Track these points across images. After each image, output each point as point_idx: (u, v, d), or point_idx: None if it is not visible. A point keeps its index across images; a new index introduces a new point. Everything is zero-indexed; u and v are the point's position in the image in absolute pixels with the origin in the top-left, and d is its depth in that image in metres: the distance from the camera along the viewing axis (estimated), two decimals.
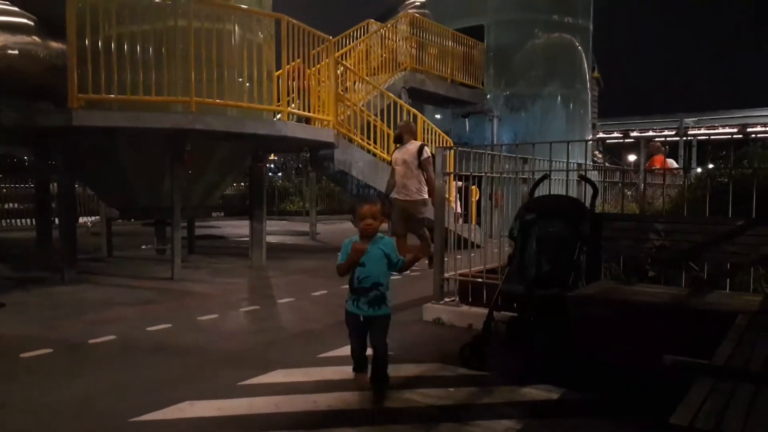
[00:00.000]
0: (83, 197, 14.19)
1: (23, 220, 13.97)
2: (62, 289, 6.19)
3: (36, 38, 6.34)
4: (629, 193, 7.15)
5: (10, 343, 4.13)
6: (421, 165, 6.99)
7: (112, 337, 4.29)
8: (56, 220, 7.97)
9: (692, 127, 25.20)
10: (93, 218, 12.40)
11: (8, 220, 14.20)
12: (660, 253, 3.85)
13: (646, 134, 25.23)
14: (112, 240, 8.88)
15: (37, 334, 4.35)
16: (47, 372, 3.55)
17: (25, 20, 6.33)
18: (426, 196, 7.03)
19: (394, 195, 7.14)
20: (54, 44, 6.43)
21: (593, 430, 2.76)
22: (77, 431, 2.67)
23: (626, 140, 26.83)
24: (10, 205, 14.55)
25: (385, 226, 6.81)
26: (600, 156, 18.07)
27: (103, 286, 6.44)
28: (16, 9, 6.33)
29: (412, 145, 7.14)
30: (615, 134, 27.34)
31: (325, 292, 5.99)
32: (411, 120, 8.76)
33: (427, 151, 7.02)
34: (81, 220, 11.99)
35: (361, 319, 3.11)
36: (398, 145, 7.42)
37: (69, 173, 7.01)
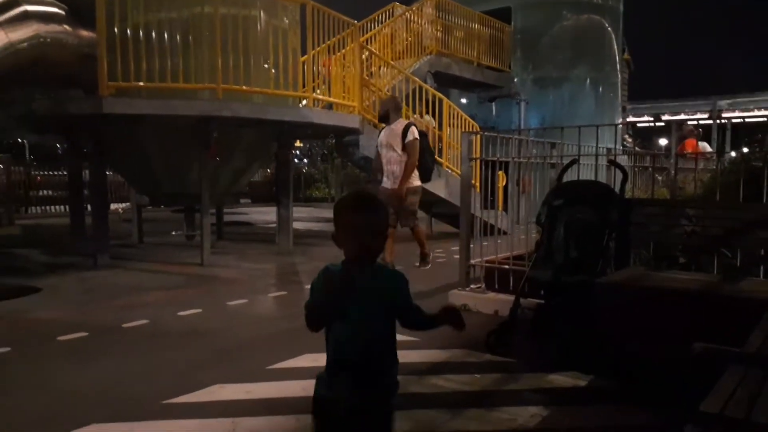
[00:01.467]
0: (114, 184, 14.48)
1: (57, 207, 14.32)
2: (95, 274, 6.34)
3: (67, 27, 6.43)
4: (660, 178, 7.01)
5: (47, 326, 4.25)
6: (405, 148, 6.19)
7: (144, 321, 4.39)
8: (89, 207, 8.15)
9: (726, 110, 24.54)
10: (124, 205, 12.64)
11: (42, 207, 14.58)
12: (691, 240, 3.78)
13: (678, 117, 24.66)
14: (142, 226, 9.05)
15: (73, 318, 4.47)
16: (83, 355, 3.65)
17: (56, 9, 6.42)
18: (417, 182, 6.33)
19: (383, 184, 6.34)
20: (84, 33, 6.52)
21: (621, 418, 2.74)
22: (112, 412, 2.74)
23: (657, 124, 26.28)
24: (44, 192, 14.93)
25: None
26: (630, 140, 17.73)
27: (135, 272, 6.58)
28: None
29: (398, 125, 6.29)
30: (645, 118, 26.78)
31: None
32: (395, 96, 7.98)
33: (413, 132, 6.19)
34: (112, 206, 12.23)
35: (343, 412, 1.67)
36: (383, 124, 6.64)
37: (100, 161, 7.15)
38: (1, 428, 2.63)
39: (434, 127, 9.25)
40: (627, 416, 2.75)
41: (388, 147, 6.26)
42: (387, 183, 6.30)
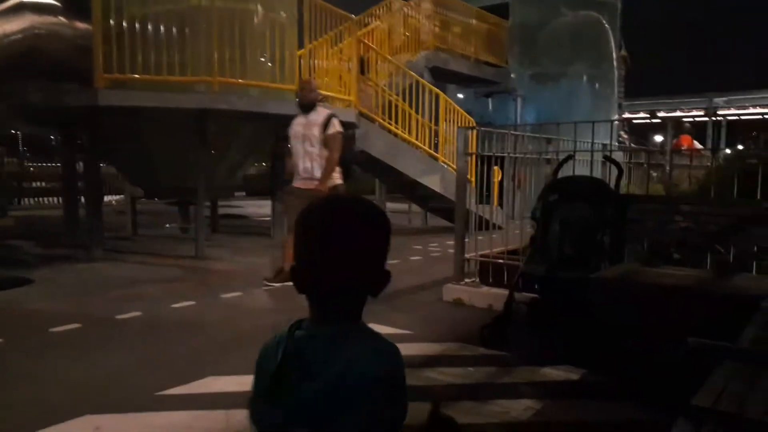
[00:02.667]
0: (108, 176, 14.43)
1: (50, 199, 14.26)
2: (89, 266, 6.32)
3: (62, 18, 6.40)
4: (655, 174, 7.03)
5: (40, 318, 4.24)
6: (326, 141, 5.24)
7: (137, 313, 4.38)
8: (82, 199, 8.12)
9: (722, 108, 24.59)
10: (118, 197, 12.60)
11: (36, 199, 14.52)
12: (685, 236, 3.79)
13: (674, 114, 24.70)
14: (136, 218, 9.03)
15: (66, 310, 4.45)
16: (76, 346, 3.64)
17: (51, 1, 6.39)
18: (339, 181, 5.36)
19: (295, 183, 5.37)
20: (80, 24, 6.48)
21: (613, 412, 2.75)
22: (105, 403, 2.74)
23: (653, 120, 26.33)
24: (38, 183, 14.87)
25: None
26: (626, 136, 17.76)
27: (129, 264, 6.56)
28: None
29: (318, 115, 5.32)
30: (642, 114, 26.83)
31: None
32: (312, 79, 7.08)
33: (335, 124, 5.29)
34: (106, 198, 12.19)
35: None
36: (301, 114, 5.43)
37: (94, 153, 7.12)
38: None
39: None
40: (620, 410, 2.76)
41: (304, 140, 5.28)
42: (299, 181, 5.31)
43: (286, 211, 5.42)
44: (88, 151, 7.18)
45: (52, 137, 16.05)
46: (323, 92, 8.25)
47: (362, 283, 1.01)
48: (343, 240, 0.99)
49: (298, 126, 5.37)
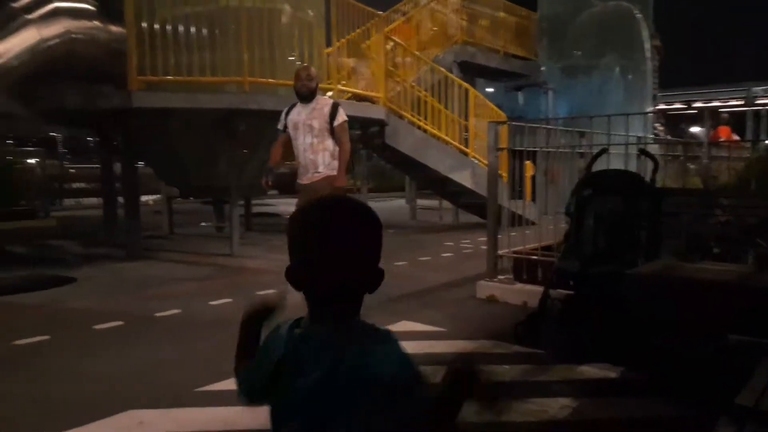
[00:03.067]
0: (145, 176, 14.72)
1: (90, 199, 14.63)
2: (128, 264, 6.48)
3: (97, 23, 6.55)
4: (692, 166, 6.87)
5: (83, 315, 4.37)
6: (334, 132, 4.82)
7: (176, 310, 4.48)
8: (120, 199, 8.31)
9: (761, 97, 23.86)
10: (154, 197, 12.85)
11: (76, 199, 14.91)
12: (725, 229, 3.71)
13: (711, 104, 24.07)
14: (173, 218, 9.21)
15: (107, 308, 4.58)
16: (118, 343, 3.75)
17: (86, 5, 6.55)
18: (344, 179, 5.01)
19: (300, 180, 4.91)
20: (114, 28, 6.63)
21: (653, 410, 2.72)
22: (147, 398, 2.81)
23: (689, 111, 25.70)
24: (78, 184, 15.26)
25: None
26: (661, 128, 17.38)
27: (166, 262, 6.70)
28: None
29: (320, 104, 4.86)
30: (677, 105, 26.21)
31: None
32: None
33: (342, 114, 4.88)
34: (143, 198, 12.45)
35: None
36: (299, 104, 4.89)
37: (130, 153, 7.28)
38: (42, 414, 2.72)
39: None
40: (659, 408, 2.72)
41: (307, 130, 4.80)
42: (306, 177, 4.84)
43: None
44: (124, 152, 7.36)
45: (89, 139, 16.44)
46: (351, 89, 8.30)
47: (358, 281, 1.02)
48: (340, 240, 1.00)
49: (297, 117, 4.86)
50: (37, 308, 4.64)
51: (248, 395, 1.15)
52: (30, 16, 5.95)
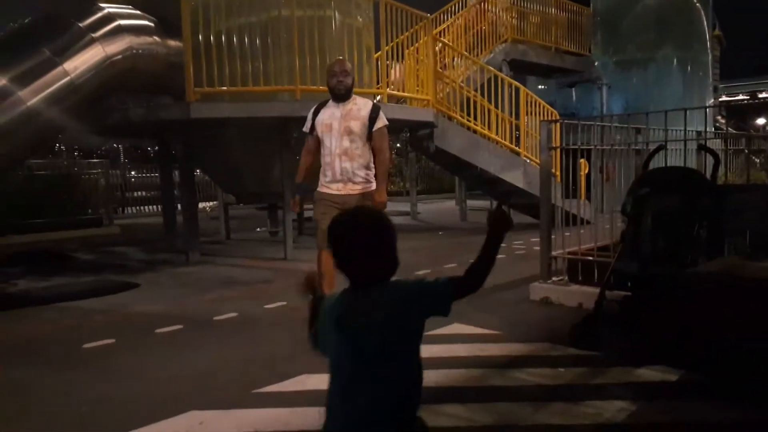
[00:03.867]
0: (202, 183, 15.20)
1: (150, 207, 15.21)
2: (187, 269, 6.71)
3: (156, 38, 6.83)
4: (757, 160, 6.57)
5: (146, 319, 4.55)
6: (372, 137, 4.21)
7: (233, 314, 4.61)
8: (179, 206, 8.62)
9: None
10: (212, 203, 13.25)
11: (137, 207, 15.54)
12: None
13: None
14: (229, 223, 9.48)
15: (169, 312, 4.76)
16: (179, 346, 3.89)
17: (146, 22, 6.83)
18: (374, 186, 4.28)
19: (325, 188, 4.29)
20: (171, 42, 6.90)
21: (714, 414, 2.62)
22: (208, 399, 2.91)
23: (754, 102, 24.52)
24: (139, 193, 15.89)
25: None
26: (723, 121, 16.65)
27: (224, 267, 6.90)
28: (138, 12, 6.85)
29: (358, 105, 4.23)
30: (740, 96, 25.07)
31: (428, 270, 6.05)
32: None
33: (383, 117, 4.27)
34: (201, 205, 12.87)
35: None
36: (332, 103, 4.26)
37: (188, 162, 7.55)
38: (108, 413, 2.85)
39: None
40: (720, 412, 2.62)
41: (344, 133, 4.17)
42: (336, 186, 4.23)
43: (319, 222, 4.30)
44: (182, 161, 7.63)
45: (149, 148, 17.09)
46: (400, 93, 8.32)
47: (386, 272, 1.47)
48: (375, 247, 1.45)
49: (329, 118, 4.22)
50: (103, 312, 4.87)
51: (320, 349, 1.59)
52: (95, 35, 6.26)
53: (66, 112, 6.00)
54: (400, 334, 1.42)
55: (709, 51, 14.02)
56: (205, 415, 2.75)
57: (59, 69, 5.93)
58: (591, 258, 4.57)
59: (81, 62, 6.09)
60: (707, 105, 12.72)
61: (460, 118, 8.97)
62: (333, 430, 1.47)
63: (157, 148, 10.38)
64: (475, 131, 9.02)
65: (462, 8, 11.51)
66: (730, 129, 15.58)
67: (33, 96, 5.71)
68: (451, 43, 10.20)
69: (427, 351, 3.52)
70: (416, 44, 8.53)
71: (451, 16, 11.34)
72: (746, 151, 6.53)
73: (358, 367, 1.43)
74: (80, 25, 6.26)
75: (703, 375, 2.98)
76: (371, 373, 1.41)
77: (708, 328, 3.07)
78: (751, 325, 2.94)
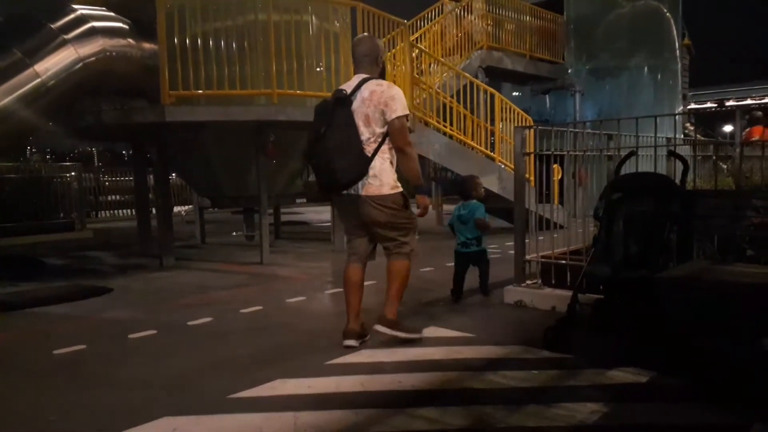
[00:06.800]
0: (177, 187, 15.02)
1: (124, 211, 14.99)
2: (161, 274, 6.63)
3: (131, 40, 6.75)
4: (725, 167, 6.73)
5: (119, 325, 4.49)
6: (390, 129, 3.57)
7: (208, 319, 4.57)
8: (153, 210, 8.52)
9: None
10: (187, 207, 13.11)
11: (111, 211, 15.30)
12: (759, 231, 3.63)
13: (744, 102, 23.49)
14: (204, 227, 9.39)
15: (142, 317, 4.70)
16: (152, 352, 3.84)
17: (120, 24, 6.75)
18: (400, 188, 3.70)
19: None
20: (146, 45, 6.83)
21: (685, 415, 2.68)
22: (181, 406, 2.88)
23: (721, 110, 25.13)
24: (112, 197, 15.66)
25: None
26: (692, 128, 17.02)
27: (199, 271, 6.84)
28: (112, 14, 6.76)
29: (373, 87, 3.59)
30: (708, 104, 25.68)
31: None
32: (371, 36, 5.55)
33: (404, 104, 3.60)
34: (176, 209, 12.72)
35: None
36: (344, 91, 3.63)
37: (163, 165, 7.47)
38: (79, 421, 2.80)
39: None
40: (691, 414, 2.68)
41: (361, 121, 3.56)
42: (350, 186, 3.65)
43: (346, 232, 3.99)
44: (157, 165, 7.55)
45: (123, 152, 16.85)
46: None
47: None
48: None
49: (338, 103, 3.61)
50: (74, 318, 4.79)
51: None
52: (67, 36, 6.16)
53: (37, 113, 5.90)
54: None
55: (678, 60, 14.33)
56: (178, 421, 2.72)
57: (30, 70, 5.83)
58: (564, 261, 4.63)
59: (52, 64, 5.99)
60: (677, 112, 13.00)
61: (436, 123, 9.03)
62: None
63: (131, 151, 10.24)
64: (451, 137, 9.09)
65: (438, 15, 11.61)
66: (698, 136, 15.93)
67: (3, 97, 5.62)
68: (427, 50, 10.27)
69: (402, 354, 3.57)
70: (393, 50, 8.58)
71: (427, 23, 11.43)
72: (714, 157, 6.69)
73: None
74: (52, 26, 6.16)
75: (674, 377, 3.04)
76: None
77: (678, 331, 3.15)
78: (720, 327, 3.02)
